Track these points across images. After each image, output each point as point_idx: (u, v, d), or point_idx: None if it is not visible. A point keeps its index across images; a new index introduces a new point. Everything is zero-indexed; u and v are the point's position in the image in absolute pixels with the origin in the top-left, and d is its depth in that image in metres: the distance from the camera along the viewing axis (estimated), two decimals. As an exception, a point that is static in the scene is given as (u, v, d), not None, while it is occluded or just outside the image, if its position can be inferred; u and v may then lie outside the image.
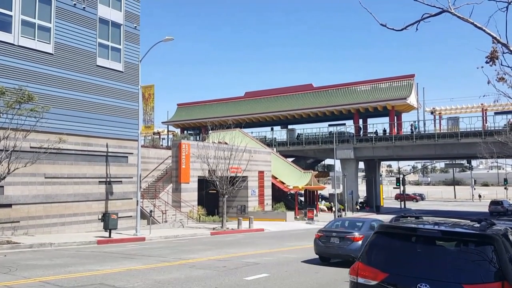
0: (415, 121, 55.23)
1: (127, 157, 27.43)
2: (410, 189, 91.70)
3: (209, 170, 30.90)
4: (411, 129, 53.40)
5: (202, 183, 36.03)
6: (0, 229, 20.78)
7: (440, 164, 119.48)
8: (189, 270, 13.21)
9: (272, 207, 43.56)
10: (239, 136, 39.63)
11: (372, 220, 16.74)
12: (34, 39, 22.85)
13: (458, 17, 7.48)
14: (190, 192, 34.95)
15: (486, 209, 56.00)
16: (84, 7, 25.32)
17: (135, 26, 28.38)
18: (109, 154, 26.27)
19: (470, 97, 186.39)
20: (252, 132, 59.86)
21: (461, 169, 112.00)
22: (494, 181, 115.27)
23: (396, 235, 6.14)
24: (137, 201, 24.86)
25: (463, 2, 7.61)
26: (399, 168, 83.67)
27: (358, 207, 57.19)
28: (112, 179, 26.45)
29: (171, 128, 73.26)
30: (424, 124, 55.61)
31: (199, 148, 32.57)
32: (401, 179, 63.23)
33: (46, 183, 23.06)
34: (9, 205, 21.45)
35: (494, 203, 54.80)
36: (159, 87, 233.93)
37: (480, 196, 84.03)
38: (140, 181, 25.76)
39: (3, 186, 20.89)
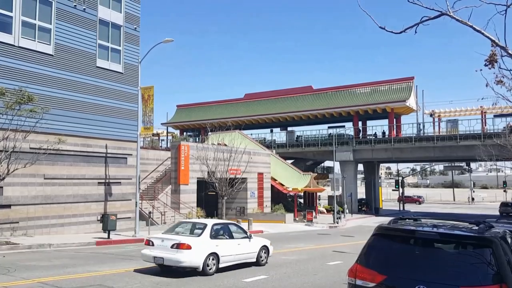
0: (419, 123, 55.48)
1: (126, 158, 27.44)
2: (409, 192, 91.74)
3: (208, 172, 30.89)
4: (417, 130, 53.66)
5: (201, 184, 35.99)
6: (-1, 230, 20.80)
7: (439, 167, 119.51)
8: (188, 272, 13.20)
9: (272, 209, 43.51)
10: (238, 137, 39.63)
11: None
12: (35, 40, 22.87)
13: (457, 20, 7.50)
14: (189, 194, 34.92)
15: (485, 212, 56.25)
16: (84, 9, 25.36)
17: (135, 28, 28.43)
18: (108, 155, 26.28)
19: (470, 99, 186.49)
20: (251, 134, 59.89)
21: (460, 171, 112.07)
22: (494, 184, 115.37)
23: (394, 237, 6.15)
24: (136, 202, 24.85)
25: (462, 5, 7.65)
26: (398, 170, 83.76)
27: (364, 208, 57.08)
28: (111, 180, 26.46)
29: (170, 129, 73.29)
30: (423, 126, 55.75)
31: (199, 150, 32.57)
32: (400, 181, 63.26)
33: (45, 184, 23.06)
34: (8, 206, 21.45)
35: (504, 204, 55.96)
36: (158, 88, 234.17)
37: (473, 199, 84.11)
38: (139, 182, 25.75)
39: (2, 187, 20.89)
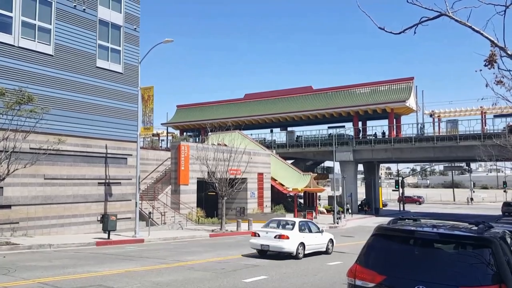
0: (420, 123, 55.57)
1: (126, 158, 27.44)
2: (409, 192, 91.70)
3: (208, 172, 30.88)
4: (417, 131, 53.89)
5: (201, 185, 36.00)
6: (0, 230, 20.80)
7: (439, 167, 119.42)
8: (187, 272, 13.22)
9: (272, 209, 43.52)
10: (238, 138, 39.64)
11: None
12: (34, 41, 22.88)
13: (456, 20, 7.50)
14: (189, 194, 34.94)
15: (484, 212, 56.27)
16: (84, 9, 25.37)
17: (135, 28, 28.44)
18: (108, 155, 26.28)
19: (469, 100, 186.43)
20: (251, 134, 59.87)
21: (460, 172, 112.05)
22: (494, 184, 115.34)
23: (394, 238, 6.15)
24: (136, 202, 24.86)
25: (461, 6, 7.65)
26: (398, 170, 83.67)
27: (366, 208, 57.02)
28: (111, 181, 26.46)
29: (170, 129, 73.28)
30: (423, 126, 55.76)
31: (198, 150, 32.57)
32: (400, 181, 63.23)
33: (45, 184, 23.07)
34: (9, 206, 21.45)
35: (506, 204, 56.51)
36: (158, 88, 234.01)
37: (472, 199, 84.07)
38: (139, 182, 25.76)
39: (2, 187, 20.90)
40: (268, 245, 17.25)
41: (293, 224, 18.13)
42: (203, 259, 16.22)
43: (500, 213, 54.24)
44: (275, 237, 17.32)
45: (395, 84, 55.04)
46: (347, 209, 49.54)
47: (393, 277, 5.72)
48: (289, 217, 40.54)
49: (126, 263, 14.85)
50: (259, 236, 17.83)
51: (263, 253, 17.69)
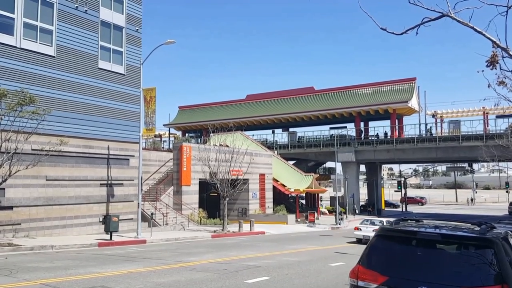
0: (425, 123, 55.70)
1: (128, 159, 27.46)
2: (411, 192, 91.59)
3: (210, 173, 30.89)
4: (420, 131, 54.12)
5: (203, 185, 36.04)
6: (2, 231, 20.82)
7: (442, 167, 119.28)
8: (189, 273, 13.22)
9: (273, 210, 43.52)
10: (240, 138, 39.67)
11: None
12: (36, 42, 22.93)
13: (458, 21, 7.49)
14: (191, 195, 34.96)
15: (487, 212, 56.16)
16: (86, 10, 25.42)
17: (137, 29, 28.47)
18: (110, 156, 26.31)
19: (472, 100, 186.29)
20: (253, 135, 59.91)
21: (462, 172, 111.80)
22: (496, 185, 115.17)
23: (396, 238, 6.14)
24: (138, 203, 24.88)
25: (463, 6, 7.64)
26: (400, 171, 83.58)
27: (369, 209, 57.02)
28: (113, 182, 26.49)
29: (172, 130, 73.34)
30: (426, 127, 55.69)
31: (200, 151, 32.60)
32: (402, 182, 63.12)
33: (47, 185, 23.09)
34: (11, 208, 21.48)
35: None
36: (160, 89, 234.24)
37: (472, 199, 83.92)
38: (141, 183, 25.78)
39: (4, 189, 20.94)
40: (369, 236, 23.74)
41: (382, 222, 25.48)
42: (205, 260, 16.21)
43: (503, 213, 54.26)
44: (373, 230, 23.78)
45: (397, 84, 54.98)
46: (354, 210, 49.46)
47: (395, 278, 5.71)
48: (291, 217, 40.70)
49: (128, 264, 14.86)
50: (360, 230, 25.58)
51: (361, 241, 24.79)
